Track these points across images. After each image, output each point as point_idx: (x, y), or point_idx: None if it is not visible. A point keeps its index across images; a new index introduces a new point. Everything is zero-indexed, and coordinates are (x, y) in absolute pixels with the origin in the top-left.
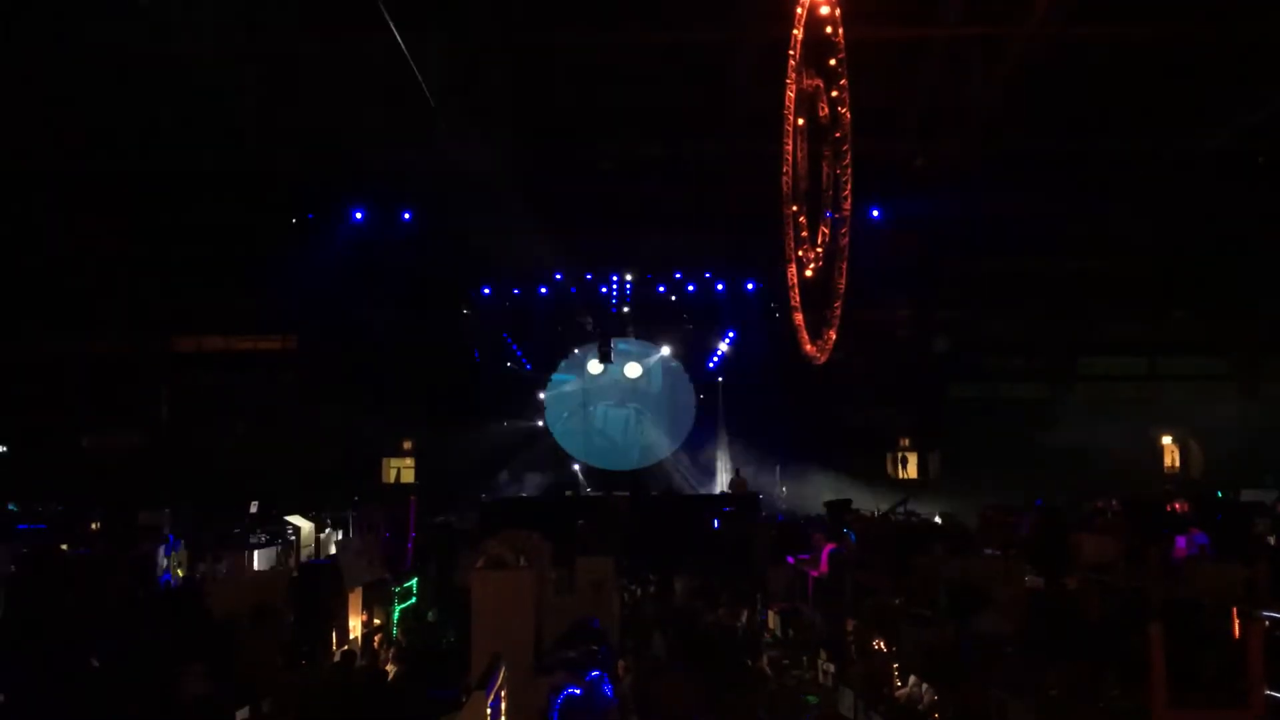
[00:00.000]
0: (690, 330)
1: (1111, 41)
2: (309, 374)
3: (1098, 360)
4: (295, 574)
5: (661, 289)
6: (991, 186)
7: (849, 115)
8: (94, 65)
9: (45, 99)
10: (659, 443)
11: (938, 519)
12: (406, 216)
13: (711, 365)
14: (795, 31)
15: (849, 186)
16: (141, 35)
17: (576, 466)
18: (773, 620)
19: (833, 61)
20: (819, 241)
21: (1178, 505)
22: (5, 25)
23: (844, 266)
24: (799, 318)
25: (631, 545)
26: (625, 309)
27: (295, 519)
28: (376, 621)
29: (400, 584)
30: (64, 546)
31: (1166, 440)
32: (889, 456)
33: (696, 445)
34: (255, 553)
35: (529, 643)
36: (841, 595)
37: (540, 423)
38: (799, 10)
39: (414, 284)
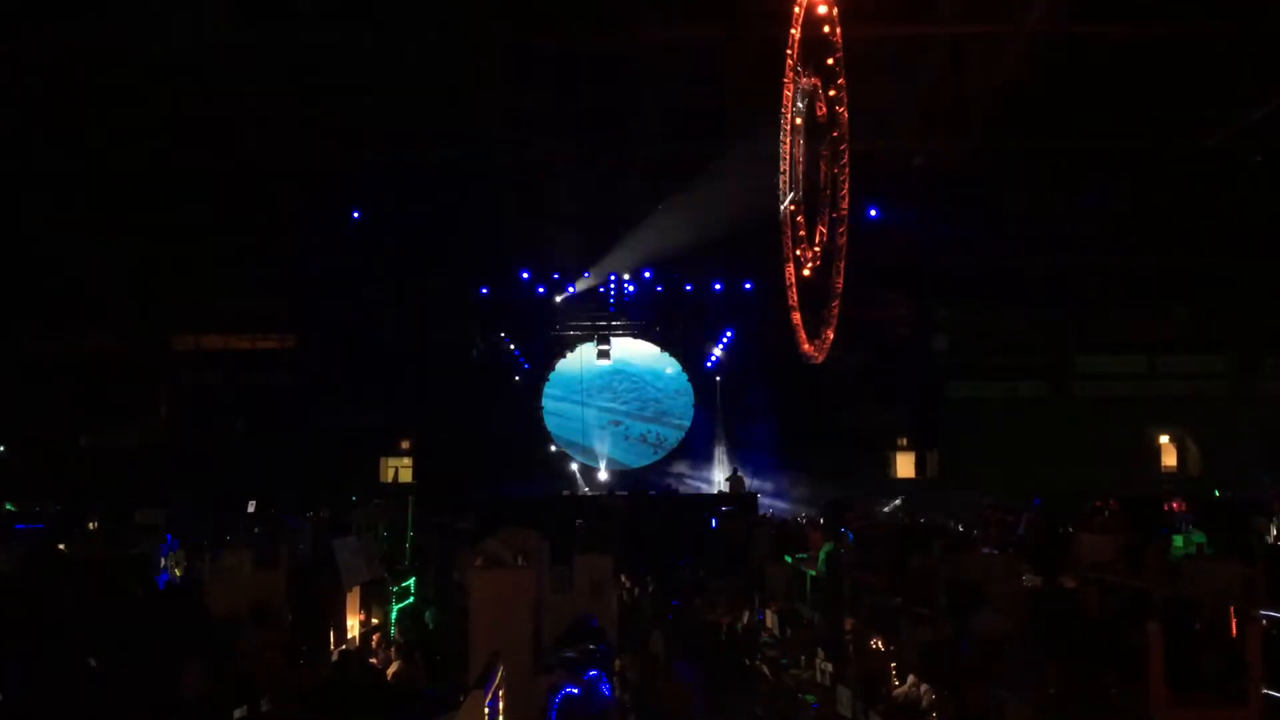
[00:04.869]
0: (688, 330)
1: (1111, 41)
2: (308, 374)
3: (1096, 359)
4: (293, 574)
5: (660, 289)
6: (991, 186)
7: (846, 114)
8: (94, 65)
9: (46, 98)
10: (657, 442)
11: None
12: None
13: (710, 364)
14: (793, 31)
15: (847, 185)
16: (141, 34)
17: (575, 466)
18: (771, 620)
19: (830, 61)
20: (817, 240)
21: (1175, 504)
22: (7, 25)
23: (842, 266)
24: (797, 317)
25: (630, 545)
26: (624, 308)
27: (294, 518)
28: (374, 621)
29: (398, 583)
30: (62, 546)
31: (1164, 439)
32: (887, 455)
33: (694, 445)
34: (253, 552)
35: (527, 642)
36: (840, 595)
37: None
38: (796, 10)
39: (413, 284)
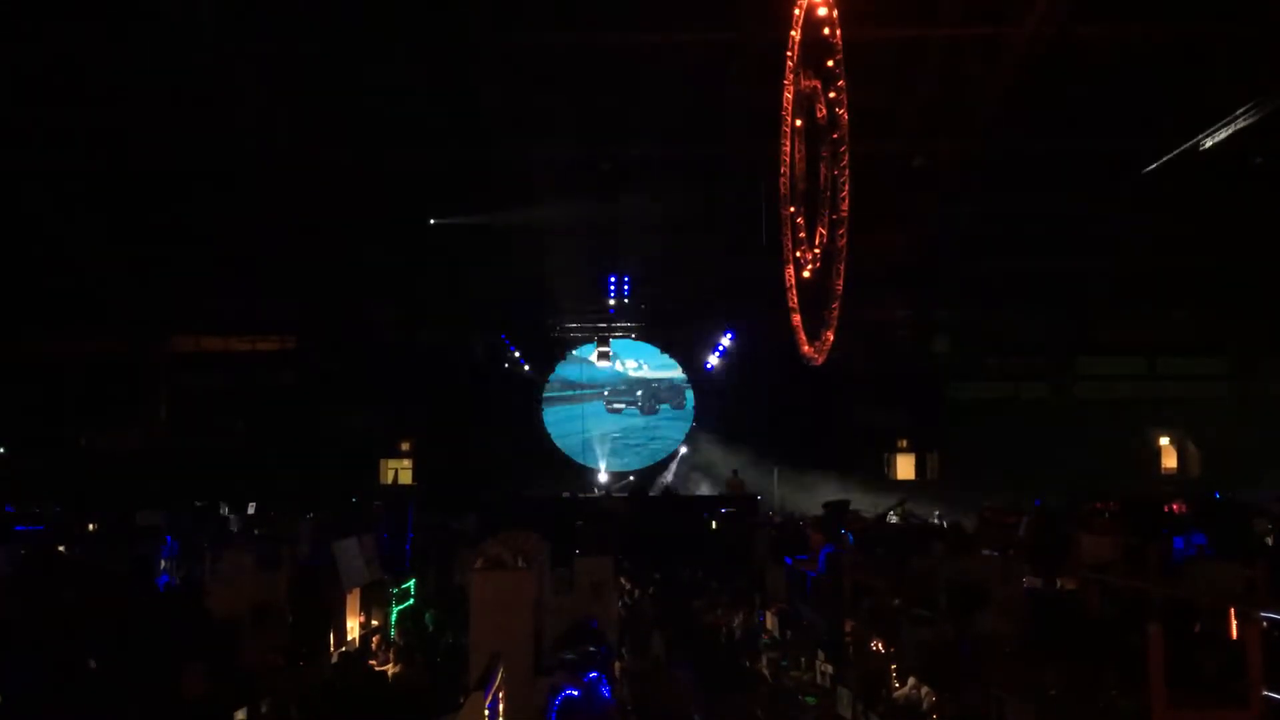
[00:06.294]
0: (689, 330)
1: (1111, 41)
2: (308, 374)
3: (1097, 360)
4: (294, 575)
5: (660, 289)
6: (991, 186)
7: (846, 116)
8: (92, 64)
9: (45, 99)
10: (657, 444)
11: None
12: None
13: (710, 366)
14: (793, 32)
15: (847, 187)
16: (140, 33)
17: (575, 468)
18: (771, 621)
19: (830, 63)
20: (817, 242)
21: (1176, 505)
22: (7, 22)
23: (842, 268)
24: (797, 319)
25: (630, 546)
26: (624, 309)
27: (294, 519)
28: (375, 623)
29: (398, 585)
30: (61, 547)
31: (1165, 440)
32: (887, 456)
33: (694, 446)
34: (254, 554)
35: (528, 643)
36: (840, 596)
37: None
38: (796, 11)
39: (414, 285)
